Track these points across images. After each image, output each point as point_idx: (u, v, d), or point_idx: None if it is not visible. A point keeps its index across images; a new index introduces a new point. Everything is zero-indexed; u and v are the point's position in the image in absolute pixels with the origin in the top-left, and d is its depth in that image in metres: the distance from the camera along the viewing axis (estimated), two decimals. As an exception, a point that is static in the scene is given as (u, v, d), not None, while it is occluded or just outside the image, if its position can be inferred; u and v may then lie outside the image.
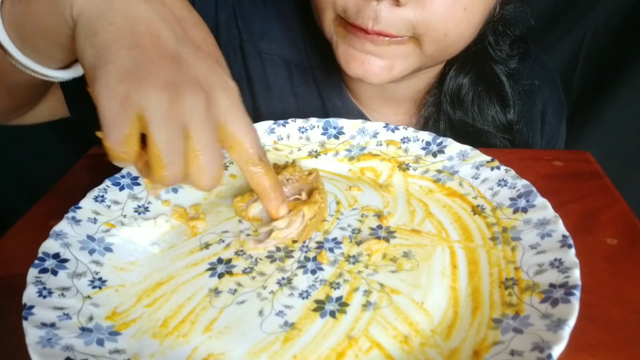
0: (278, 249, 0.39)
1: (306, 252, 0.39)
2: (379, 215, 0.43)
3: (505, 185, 0.43)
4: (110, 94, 0.29)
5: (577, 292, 0.31)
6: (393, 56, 0.49)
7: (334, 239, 0.40)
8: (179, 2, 0.35)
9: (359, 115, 0.62)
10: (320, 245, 0.40)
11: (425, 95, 0.62)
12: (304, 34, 0.61)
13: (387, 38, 0.47)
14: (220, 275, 0.37)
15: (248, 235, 0.41)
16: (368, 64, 0.49)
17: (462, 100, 0.60)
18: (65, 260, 0.36)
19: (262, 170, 0.36)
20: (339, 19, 0.49)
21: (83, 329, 0.32)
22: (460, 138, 0.49)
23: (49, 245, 0.36)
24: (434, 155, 0.49)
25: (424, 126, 0.63)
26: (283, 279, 0.37)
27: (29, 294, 0.32)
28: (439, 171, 0.47)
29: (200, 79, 0.31)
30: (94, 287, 0.35)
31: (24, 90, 0.48)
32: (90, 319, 0.33)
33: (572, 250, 0.35)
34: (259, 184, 0.36)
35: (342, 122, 0.52)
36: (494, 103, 0.60)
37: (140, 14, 0.31)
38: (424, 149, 0.49)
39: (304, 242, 0.40)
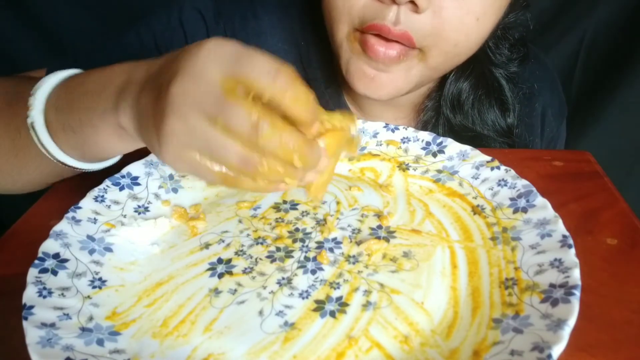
0: (278, 249, 0.39)
1: (306, 252, 0.39)
2: (379, 215, 0.43)
3: (505, 185, 0.43)
4: (176, 159, 0.29)
5: (577, 292, 0.31)
6: (398, 70, 0.49)
7: (334, 239, 0.40)
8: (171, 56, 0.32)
9: None
10: (320, 245, 0.40)
11: (425, 100, 0.62)
12: (300, 45, 0.60)
13: (396, 50, 0.47)
14: (220, 275, 0.37)
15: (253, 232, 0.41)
16: (377, 80, 0.49)
17: (462, 104, 0.60)
18: (65, 260, 0.36)
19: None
20: (355, 33, 0.49)
21: (83, 329, 0.32)
22: (459, 142, 0.49)
23: (49, 245, 0.36)
24: (434, 155, 0.49)
25: (422, 130, 0.63)
26: (283, 279, 0.37)
27: (29, 294, 0.32)
28: (439, 171, 0.47)
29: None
30: (94, 287, 0.35)
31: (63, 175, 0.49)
32: (90, 319, 0.33)
33: (572, 250, 0.34)
34: None
35: (342, 122, 0.52)
36: (493, 107, 0.60)
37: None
38: (424, 149, 0.49)
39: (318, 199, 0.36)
